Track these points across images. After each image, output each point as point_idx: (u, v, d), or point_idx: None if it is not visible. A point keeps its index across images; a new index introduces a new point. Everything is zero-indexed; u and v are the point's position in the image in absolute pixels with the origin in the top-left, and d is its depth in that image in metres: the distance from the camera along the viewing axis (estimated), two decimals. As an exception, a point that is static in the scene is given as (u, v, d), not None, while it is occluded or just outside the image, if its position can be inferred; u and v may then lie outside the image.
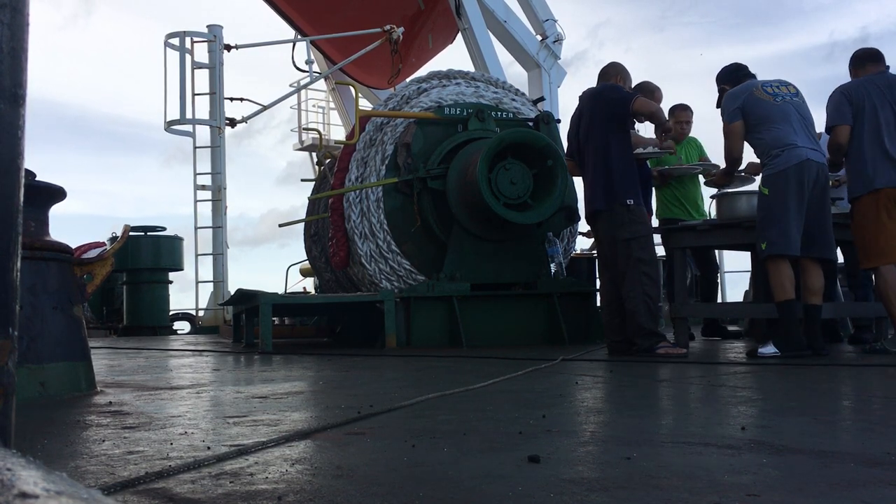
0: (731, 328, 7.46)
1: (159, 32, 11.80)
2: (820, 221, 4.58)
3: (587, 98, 5.18)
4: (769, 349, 4.40)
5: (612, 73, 5.25)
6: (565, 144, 5.66)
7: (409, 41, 13.05)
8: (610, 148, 4.94)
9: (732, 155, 4.82)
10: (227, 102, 11.90)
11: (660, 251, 6.26)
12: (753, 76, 4.92)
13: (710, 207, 5.43)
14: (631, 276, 4.84)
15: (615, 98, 4.97)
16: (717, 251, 11.32)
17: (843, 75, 4.97)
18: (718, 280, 7.38)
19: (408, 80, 8.32)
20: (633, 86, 5.38)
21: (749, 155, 4.92)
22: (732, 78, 4.91)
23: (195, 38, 11.70)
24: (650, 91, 5.89)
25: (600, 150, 4.98)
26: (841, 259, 5.97)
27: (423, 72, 8.64)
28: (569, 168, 5.63)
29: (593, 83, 5.35)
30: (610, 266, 5.06)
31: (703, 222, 5.53)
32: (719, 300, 11.07)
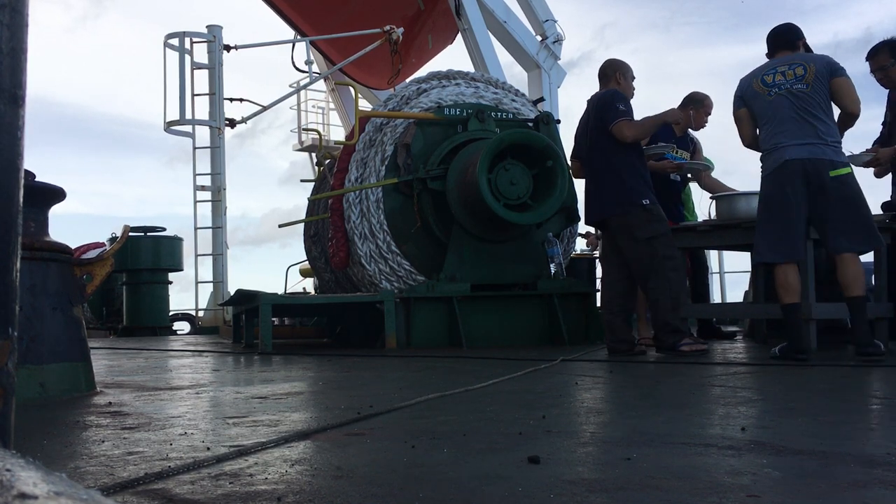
0: (728, 329, 7.46)
1: (162, 33, 11.74)
2: (821, 217, 4.31)
3: (592, 104, 5.17)
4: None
5: (611, 74, 5.23)
6: (568, 144, 5.66)
7: (409, 41, 13.05)
8: (619, 152, 4.94)
9: (743, 142, 4.78)
10: (226, 103, 11.90)
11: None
12: (796, 42, 4.57)
13: (709, 208, 5.43)
14: (658, 273, 4.82)
15: (605, 115, 4.96)
16: (715, 252, 11.41)
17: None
18: (709, 281, 7.36)
19: (407, 80, 8.30)
20: (633, 79, 5.31)
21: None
22: (777, 42, 4.58)
23: (195, 39, 11.69)
24: (699, 101, 6.00)
25: (609, 156, 4.97)
26: None
27: (422, 72, 8.63)
28: (573, 168, 5.60)
29: (598, 85, 5.34)
30: (623, 267, 5.03)
31: (703, 222, 5.54)
32: (719, 301, 11.13)
